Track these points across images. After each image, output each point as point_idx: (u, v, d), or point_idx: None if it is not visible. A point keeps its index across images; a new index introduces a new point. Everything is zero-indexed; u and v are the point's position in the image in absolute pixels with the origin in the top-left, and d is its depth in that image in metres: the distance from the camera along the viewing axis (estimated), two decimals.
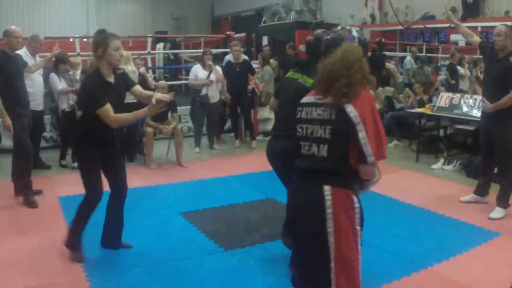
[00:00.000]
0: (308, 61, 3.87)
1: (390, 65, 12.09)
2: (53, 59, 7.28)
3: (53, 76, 7.33)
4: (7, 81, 5.45)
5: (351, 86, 2.41)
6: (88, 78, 3.96)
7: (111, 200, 4.24)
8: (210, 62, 8.37)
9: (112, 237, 4.36)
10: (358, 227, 2.53)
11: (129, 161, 7.70)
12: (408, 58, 12.94)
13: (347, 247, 2.46)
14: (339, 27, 3.10)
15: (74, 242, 4.14)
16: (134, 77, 7.48)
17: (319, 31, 3.90)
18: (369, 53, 12.15)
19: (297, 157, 2.60)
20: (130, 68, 7.39)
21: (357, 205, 2.51)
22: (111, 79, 3.93)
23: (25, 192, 5.66)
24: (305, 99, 2.62)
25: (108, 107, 3.76)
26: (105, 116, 3.77)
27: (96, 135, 3.94)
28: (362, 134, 2.34)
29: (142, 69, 8.36)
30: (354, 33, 3.04)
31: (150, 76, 9.09)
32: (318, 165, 2.45)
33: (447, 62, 14.88)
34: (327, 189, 2.42)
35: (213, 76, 8.31)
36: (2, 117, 5.28)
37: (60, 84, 7.33)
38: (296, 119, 2.59)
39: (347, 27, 3.09)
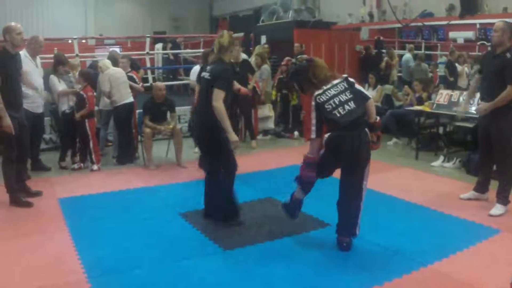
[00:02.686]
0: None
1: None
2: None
3: (53, 77, 7.31)
4: (7, 81, 5.34)
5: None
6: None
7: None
8: None
9: None
10: None
11: (128, 162, 7.71)
12: (407, 55, 12.93)
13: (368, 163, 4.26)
14: (292, 60, 4.77)
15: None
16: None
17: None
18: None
19: (331, 120, 4.04)
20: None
21: None
22: None
23: (11, 193, 5.58)
24: (321, 91, 4.15)
25: None
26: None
27: None
28: (361, 88, 4.24)
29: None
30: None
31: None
32: (355, 114, 4.05)
33: (443, 59, 14.91)
34: (367, 130, 4.17)
35: None
36: (2, 116, 5.18)
37: (59, 85, 7.32)
38: (324, 101, 4.09)
39: (297, 61, 4.68)
